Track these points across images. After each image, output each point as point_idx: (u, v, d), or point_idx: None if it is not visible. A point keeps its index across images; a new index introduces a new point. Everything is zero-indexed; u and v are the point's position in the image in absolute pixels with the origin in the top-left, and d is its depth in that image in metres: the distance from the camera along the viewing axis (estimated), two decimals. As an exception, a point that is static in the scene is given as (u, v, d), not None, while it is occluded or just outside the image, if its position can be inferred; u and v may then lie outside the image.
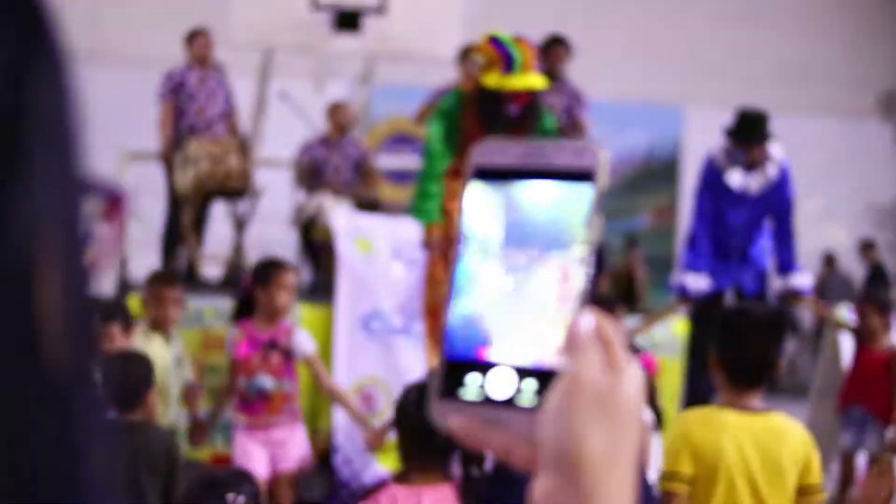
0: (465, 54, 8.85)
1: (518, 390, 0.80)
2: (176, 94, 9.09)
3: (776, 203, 7.30)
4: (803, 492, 3.48)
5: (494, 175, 0.83)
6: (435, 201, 6.22)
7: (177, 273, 7.51)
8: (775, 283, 7.60)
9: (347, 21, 9.45)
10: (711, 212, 7.34)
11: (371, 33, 9.51)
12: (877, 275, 14.00)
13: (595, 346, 0.81)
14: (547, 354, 0.81)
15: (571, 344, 0.80)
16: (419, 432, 3.43)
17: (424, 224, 6.28)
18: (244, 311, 5.65)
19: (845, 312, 7.62)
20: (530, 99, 6.11)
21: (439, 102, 6.51)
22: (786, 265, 7.41)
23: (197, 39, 9.24)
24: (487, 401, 0.81)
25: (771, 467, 3.42)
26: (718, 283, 7.40)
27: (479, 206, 0.83)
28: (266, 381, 5.49)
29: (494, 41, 6.04)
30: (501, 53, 5.95)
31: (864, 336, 7.16)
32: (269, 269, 5.61)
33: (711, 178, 7.33)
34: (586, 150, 0.82)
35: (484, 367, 0.81)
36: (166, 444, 4.45)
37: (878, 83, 15.53)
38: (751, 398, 3.50)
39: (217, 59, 9.32)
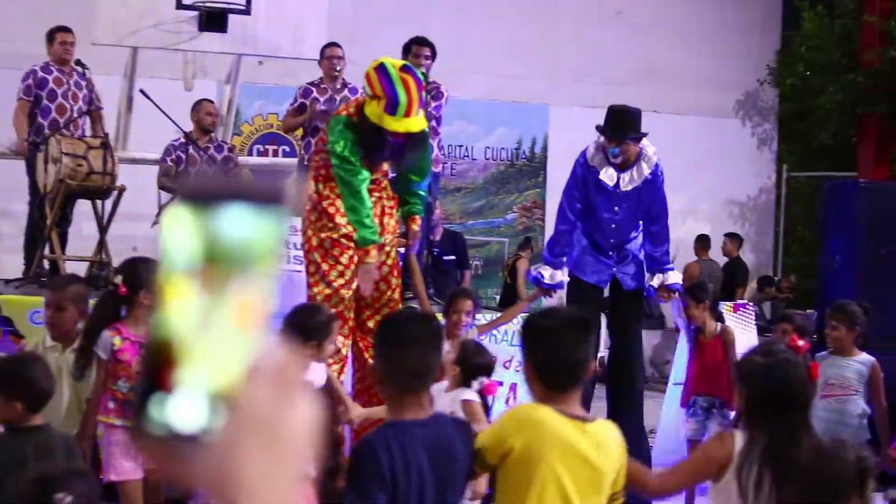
0: (324, 51, 9.01)
1: (201, 420, 0.82)
2: (34, 92, 9.02)
3: (649, 201, 7.24)
4: (610, 499, 3.43)
5: (195, 198, 0.83)
6: (373, 222, 6.29)
7: (67, 277, 7.11)
8: (647, 280, 7.59)
9: (214, 21, 9.51)
10: (580, 208, 7.23)
11: (237, 33, 9.59)
12: (733, 267, 14.43)
13: (268, 376, 0.84)
14: (230, 382, 0.82)
15: (248, 372, 0.82)
16: None
17: (372, 242, 6.29)
18: (111, 312, 5.49)
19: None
20: (410, 134, 6.17)
21: (332, 124, 6.41)
22: (660, 263, 7.36)
23: (57, 37, 9.18)
24: (172, 430, 0.82)
25: (590, 477, 3.36)
26: (597, 279, 7.40)
27: (179, 228, 0.83)
28: None
29: (384, 77, 6.02)
30: (388, 94, 5.98)
31: (693, 329, 7.47)
32: None
33: (585, 175, 7.22)
34: (277, 176, 0.85)
35: (173, 394, 0.82)
36: (64, 447, 4.39)
37: (737, 85, 16.03)
38: (570, 402, 3.40)
39: (80, 57, 9.26)
